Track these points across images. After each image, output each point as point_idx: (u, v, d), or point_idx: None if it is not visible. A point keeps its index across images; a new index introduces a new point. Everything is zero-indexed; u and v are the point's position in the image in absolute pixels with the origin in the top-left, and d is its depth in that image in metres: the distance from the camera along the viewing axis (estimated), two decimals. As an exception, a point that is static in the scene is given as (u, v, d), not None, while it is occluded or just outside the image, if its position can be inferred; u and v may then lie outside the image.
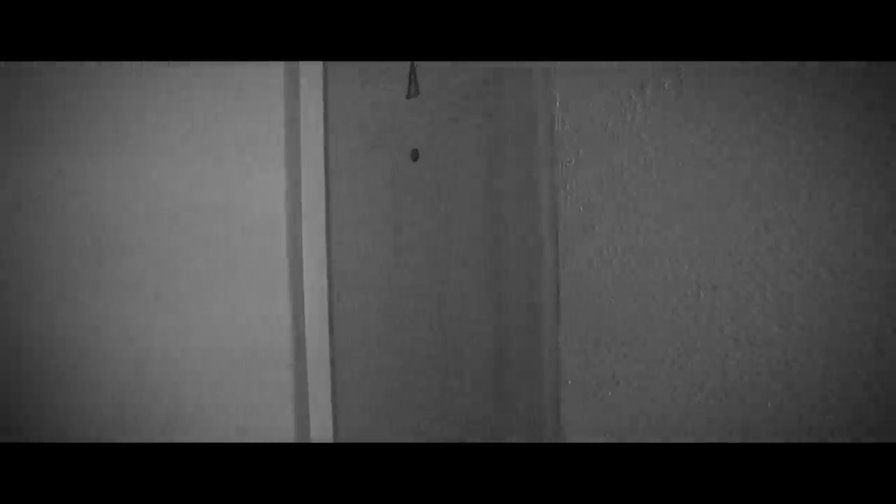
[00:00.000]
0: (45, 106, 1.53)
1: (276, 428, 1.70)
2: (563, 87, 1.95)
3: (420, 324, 1.78)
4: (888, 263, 1.62)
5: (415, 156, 1.81)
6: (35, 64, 1.43)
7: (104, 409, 1.59)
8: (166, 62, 1.55)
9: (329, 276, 1.73)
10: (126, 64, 1.51)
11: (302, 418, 1.70)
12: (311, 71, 1.66)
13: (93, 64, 1.51)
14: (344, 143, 1.74)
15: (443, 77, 1.72)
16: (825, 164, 1.64)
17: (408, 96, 1.67)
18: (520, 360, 1.81)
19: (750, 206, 1.70)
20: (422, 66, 1.62)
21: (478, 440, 1.74)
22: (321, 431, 1.72)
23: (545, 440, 1.74)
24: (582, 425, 1.92)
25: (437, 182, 1.85)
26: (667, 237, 1.80)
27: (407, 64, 1.60)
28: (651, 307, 1.86)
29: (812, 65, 1.64)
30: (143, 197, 1.59)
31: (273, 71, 1.64)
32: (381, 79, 1.70)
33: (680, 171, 1.77)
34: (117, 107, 1.56)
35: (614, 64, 1.83)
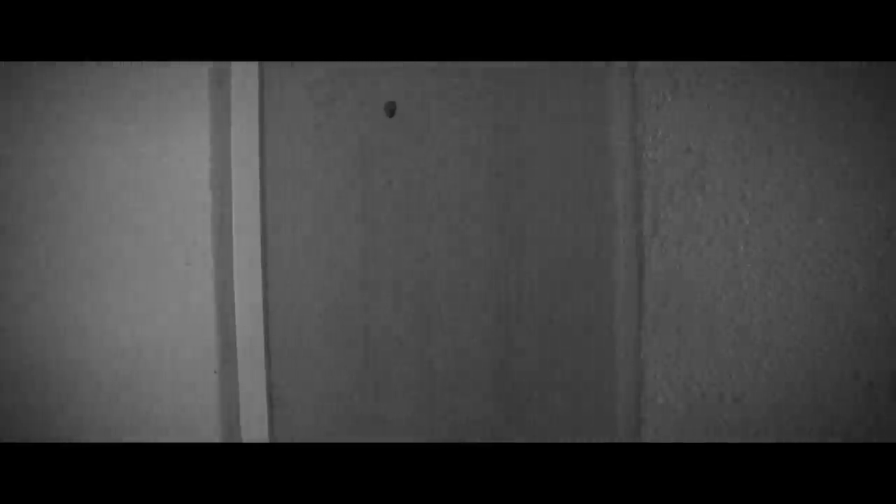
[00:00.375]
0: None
1: (202, 428, 1.65)
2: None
3: (396, 319, 1.72)
4: (888, 264, 1.62)
5: (391, 110, 1.59)
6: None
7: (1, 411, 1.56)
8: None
9: (264, 271, 1.65)
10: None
11: (231, 420, 1.65)
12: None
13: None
14: (288, 103, 1.65)
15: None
16: (826, 166, 1.64)
17: None
18: (531, 361, 1.77)
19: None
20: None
21: (475, 441, 1.73)
22: (254, 432, 1.65)
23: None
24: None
25: (423, 142, 1.71)
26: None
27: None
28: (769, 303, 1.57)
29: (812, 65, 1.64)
30: (46, 184, 1.57)
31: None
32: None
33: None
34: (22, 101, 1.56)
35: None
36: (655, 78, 1.62)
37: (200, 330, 1.64)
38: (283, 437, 1.68)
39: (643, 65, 1.61)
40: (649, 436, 1.60)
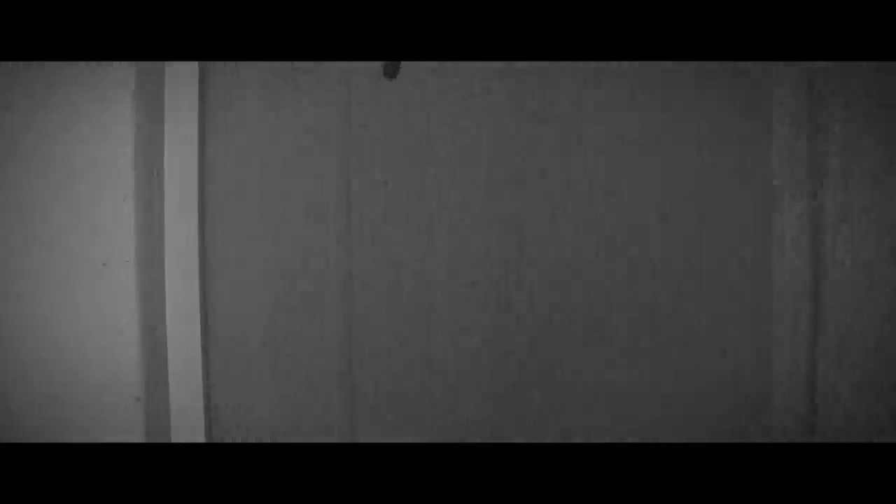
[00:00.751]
0: None
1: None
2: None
3: (396, 319, 1.70)
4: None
5: (392, 70, 1.43)
6: None
7: None
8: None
9: (203, 274, 1.55)
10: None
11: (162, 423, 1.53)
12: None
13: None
14: (239, 97, 1.59)
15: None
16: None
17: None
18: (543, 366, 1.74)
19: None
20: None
21: (475, 441, 1.73)
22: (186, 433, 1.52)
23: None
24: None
25: (425, 112, 1.65)
26: None
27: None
28: None
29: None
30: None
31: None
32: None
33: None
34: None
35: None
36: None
37: (120, 339, 1.52)
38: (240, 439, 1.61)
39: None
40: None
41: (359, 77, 1.69)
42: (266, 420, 1.65)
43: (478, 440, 1.70)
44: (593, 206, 1.71)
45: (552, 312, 1.71)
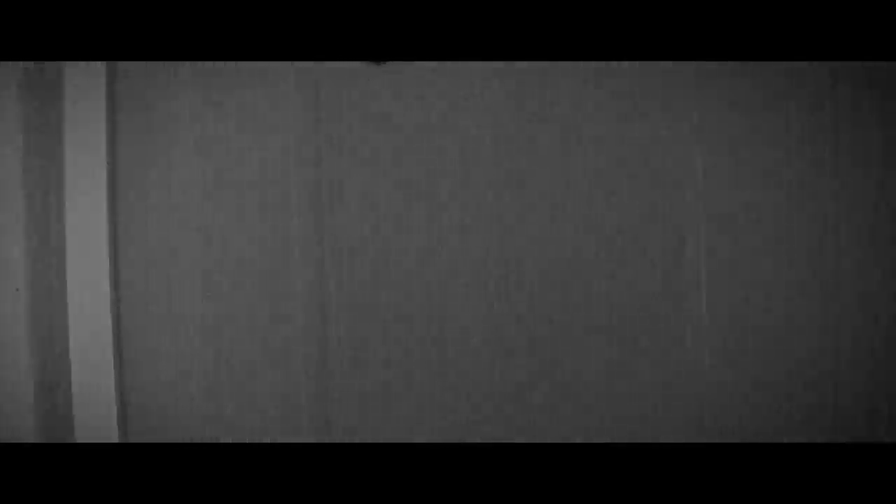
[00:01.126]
0: None
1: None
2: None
3: (399, 320, 1.69)
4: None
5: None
6: None
7: None
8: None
9: (115, 274, 1.50)
10: None
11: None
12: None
13: None
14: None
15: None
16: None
17: None
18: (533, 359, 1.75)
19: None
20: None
21: (475, 441, 1.72)
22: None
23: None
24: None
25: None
26: None
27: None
28: None
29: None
30: None
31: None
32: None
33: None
34: None
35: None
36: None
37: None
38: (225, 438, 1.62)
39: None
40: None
41: (337, 74, 1.69)
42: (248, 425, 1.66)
43: (478, 440, 1.70)
44: (593, 206, 1.71)
45: (552, 312, 1.71)
